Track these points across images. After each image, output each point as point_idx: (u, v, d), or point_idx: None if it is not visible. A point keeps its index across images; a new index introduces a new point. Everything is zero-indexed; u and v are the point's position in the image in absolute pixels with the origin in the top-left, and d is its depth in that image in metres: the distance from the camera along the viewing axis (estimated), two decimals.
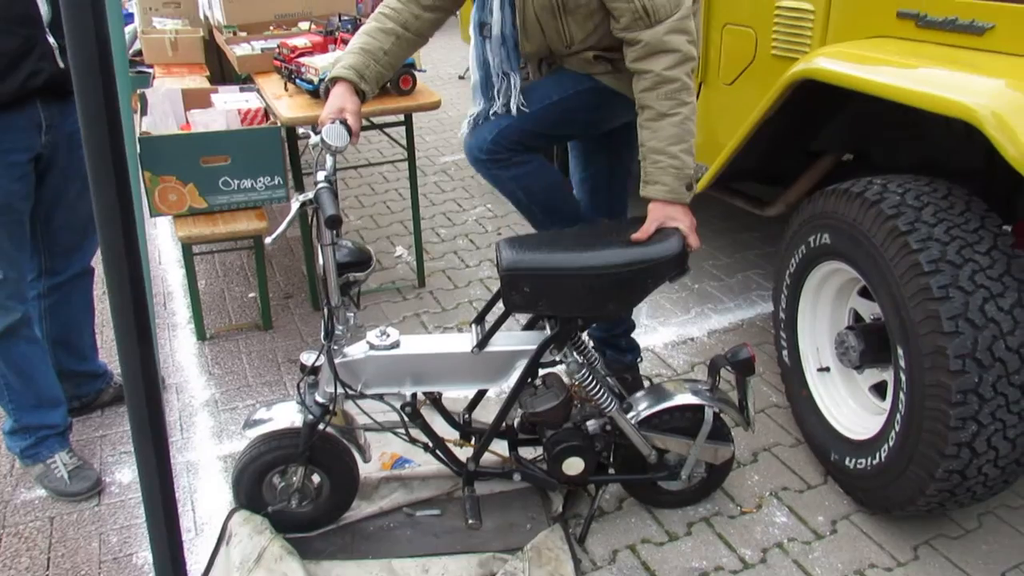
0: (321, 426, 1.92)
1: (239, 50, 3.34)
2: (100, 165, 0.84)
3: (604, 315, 1.94)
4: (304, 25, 3.84)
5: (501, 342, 1.93)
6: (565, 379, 2.00)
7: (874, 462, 1.98)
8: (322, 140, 1.80)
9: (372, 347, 1.90)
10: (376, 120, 3.04)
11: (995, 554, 1.98)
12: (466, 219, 3.99)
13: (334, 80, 1.94)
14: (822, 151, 2.61)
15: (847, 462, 2.10)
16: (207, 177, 2.67)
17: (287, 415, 1.98)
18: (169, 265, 3.59)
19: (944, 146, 2.26)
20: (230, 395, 2.67)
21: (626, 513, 2.15)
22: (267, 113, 2.96)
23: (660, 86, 1.78)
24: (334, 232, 1.73)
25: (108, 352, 2.74)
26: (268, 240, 1.61)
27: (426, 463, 2.27)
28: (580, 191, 2.33)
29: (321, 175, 1.71)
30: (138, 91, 3.25)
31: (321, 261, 1.79)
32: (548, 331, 1.93)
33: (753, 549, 2.03)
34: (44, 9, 1.89)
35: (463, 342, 1.94)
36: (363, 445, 2.02)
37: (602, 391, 1.94)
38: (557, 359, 1.91)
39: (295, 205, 1.68)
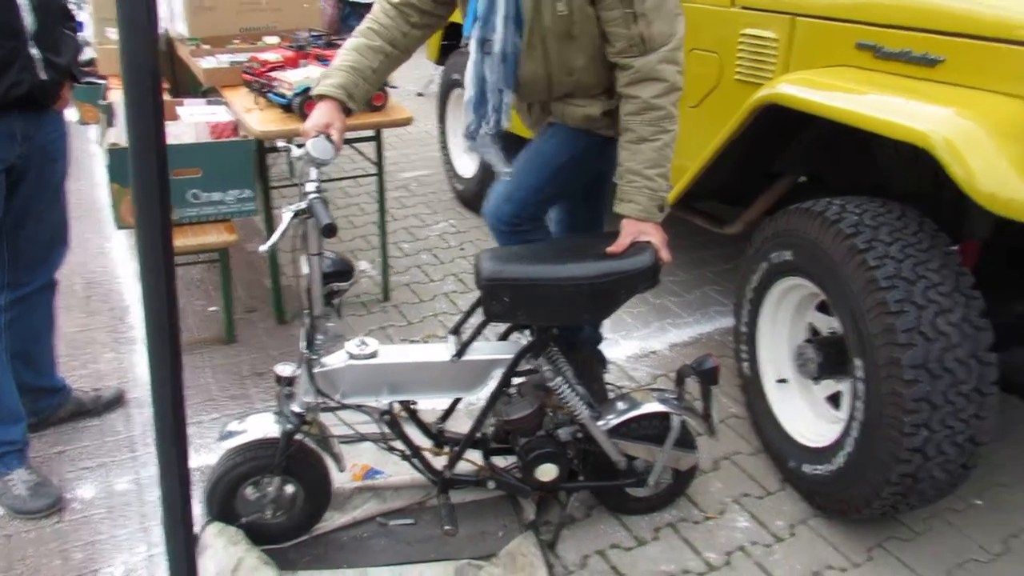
0: (298, 436, 1.94)
1: (205, 63, 3.34)
2: (146, 180, 0.87)
3: (580, 324, 2.01)
4: (271, 39, 3.85)
5: (479, 351, 1.98)
6: (539, 388, 2.06)
7: (832, 468, 2.09)
8: (308, 153, 1.83)
9: (352, 357, 1.93)
10: (346, 135, 3.07)
11: (942, 555, 2.10)
12: (428, 234, 4.03)
13: (320, 96, 1.98)
14: (779, 173, 2.73)
15: (805, 469, 2.20)
16: (177, 189, 2.66)
17: (261, 426, 1.99)
18: (125, 279, 3.55)
19: (893, 169, 2.40)
20: (195, 409, 2.65)
21: (595, 520, 2.21)
22: (236, 126, 2.97)
23: (645, 112, 1.87)
24: (321, 242, 1.76)
25: (64, 367, 2.69)
26: (263, 248, 1.64)
27: (398, 473, 2.30)
28: (558, 209, 2.41)
29: (311, 186, 1.74)
30: (102, 102, 3.23)
31: (305, 271, 1.82)
32: (524, 341, 2.00)
33: (717, 553, 2.11)
34: (29, 20, 1.88)
35: (441, 351, 1.99)
36: (338, 454, 2.04)
37: (575, 399, 2.00)
38: (539, 368, 1.97)
39: (287, 216, 1.70)
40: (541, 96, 2.12)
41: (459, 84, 4.12)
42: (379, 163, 3.12)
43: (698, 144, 2.57)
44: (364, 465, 2.35)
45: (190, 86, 5.19)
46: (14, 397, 2.19)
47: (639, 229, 1.92)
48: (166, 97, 3.75)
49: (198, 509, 2.18)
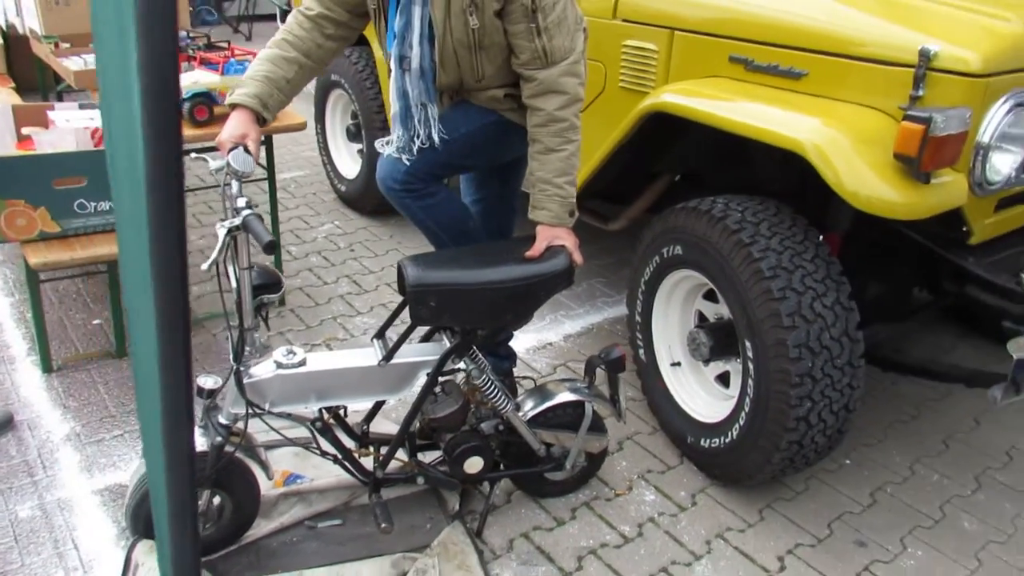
0: (228, 448, 1.96)
1: (72, 64, 3.19)
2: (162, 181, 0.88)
3: (502, 325, 2.13)
4: None
5: (405, 354, 2.06)
6: (462, 386, 2.17)
7: (727, 440, 2.32)
8: (228, 165, 1.85)
9: (280, 366, 1.96)
10: None
11: (821, 510, 2.39)
12: (315, 236, 4.02)
13: (234, 105, 1.99)
14: (658, 173, 2.97)
15: (702, 443, 2.43)
16: (61, 200, 2.56)
17: None
18: None
19: (765, 170, 2.67)
20: (93, 427, 2.57)
21: (515, 505, 2.35)
22: None
23: (551, 124, 2.01)
24: (250, 256, 1.79)
25: None
26: (204, 266, 1.65)
27: (319, 477, 2.35)
28: (471, 191, 2.51)
29: (242, 202, 1.76)
30: None
31: (234, 284, 1.84)
32: (446, 342, 2.10)
33: (630, 525, 2.30)
34: None
35: (368, 356, 2.05)
36: (266, 463, 2.07)
37: (499, 394, 2.13)
38: (461, 367, 2.08)
39: (222, 232, 1.72)
40: (450, 91, 2.22)
41: (339, 85, 4.14)
42: (270, 168, 3.10)
43: (586, 148, 2.73)
44: (284, 471, 2.37)
45: (38, 84, 4.89)
46: None
47: (553, 234, 2.07)
48: (13, 97, 3.54)
49: (112, 530, 2.16)
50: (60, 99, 4.91)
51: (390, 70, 2.13)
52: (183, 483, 1.07)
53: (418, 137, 2.13)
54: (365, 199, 4.23)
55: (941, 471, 2.57)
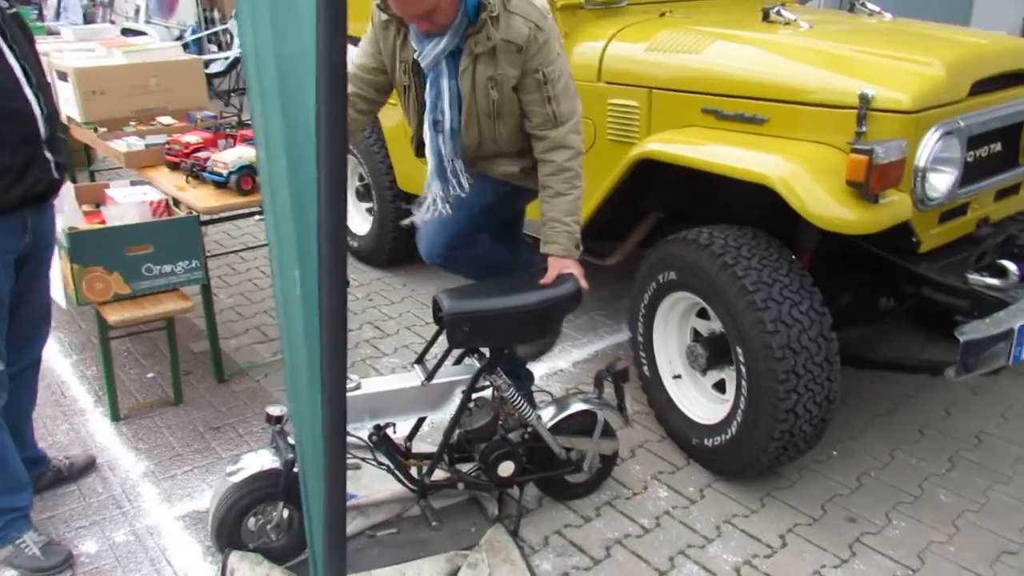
0: (297, 466, 2.29)
1: (120, 146, 3.58)
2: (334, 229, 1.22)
3: (525, 342, 2.49)
4: (165, 119, 4.13)
5: (443, 375, 2.42)
6: (492, 400, 2.52)
7: (727, 438, 2.67)
8: None
9: None
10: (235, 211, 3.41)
11: (814, 494, 2.72)
12: None
13: None
14: (646, 211, 3.36)
15: (705, 442, 2.78)
16: (131, 265, 2.92)
17: (258, 461, 2.33)
18: (52, 356, 3.67)
19: (736, 202, 3.06)
20: (164, 465, 2.89)
21: (545, 508, 2.68)
22: (168, 204, 3.25)
23: (560, 173, 2.41)
24: None
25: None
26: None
27: (374, 493, 2.67)
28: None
29: None
30: None
31: None
32: (476, 364, 2.45)
33: (649, 518, 2.63)
34: (43, 129, 2.18)
35: (412, 379, 2.40)
36: None
37: (524, 405, 2.48)
38: (494, 384, 2.42)
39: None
40: (469, 156, 2.60)
41: (348, 150, 4.55)
42: None
43: (583, 194, 3.14)
44: None
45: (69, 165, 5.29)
46: (19, 465, 2.38)
47: (562, 264, 2.44)
48: (89, 182, 3.93)
49: (199, 548, 2.47)
50: (92, 177, 5.33)
51: (414, 138, 2.54)
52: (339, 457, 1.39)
53: (453, 188, 2.54)
54: (378, 253, 4.62)
55: (918, 455, 2.92)
